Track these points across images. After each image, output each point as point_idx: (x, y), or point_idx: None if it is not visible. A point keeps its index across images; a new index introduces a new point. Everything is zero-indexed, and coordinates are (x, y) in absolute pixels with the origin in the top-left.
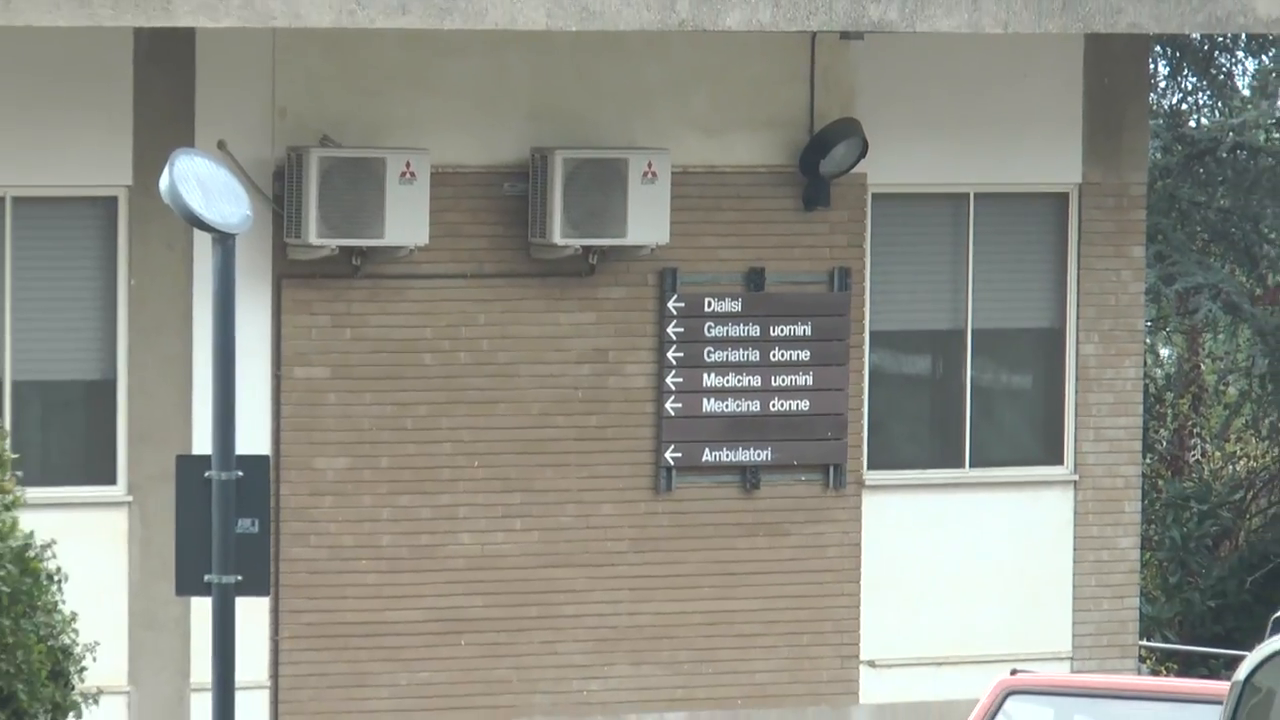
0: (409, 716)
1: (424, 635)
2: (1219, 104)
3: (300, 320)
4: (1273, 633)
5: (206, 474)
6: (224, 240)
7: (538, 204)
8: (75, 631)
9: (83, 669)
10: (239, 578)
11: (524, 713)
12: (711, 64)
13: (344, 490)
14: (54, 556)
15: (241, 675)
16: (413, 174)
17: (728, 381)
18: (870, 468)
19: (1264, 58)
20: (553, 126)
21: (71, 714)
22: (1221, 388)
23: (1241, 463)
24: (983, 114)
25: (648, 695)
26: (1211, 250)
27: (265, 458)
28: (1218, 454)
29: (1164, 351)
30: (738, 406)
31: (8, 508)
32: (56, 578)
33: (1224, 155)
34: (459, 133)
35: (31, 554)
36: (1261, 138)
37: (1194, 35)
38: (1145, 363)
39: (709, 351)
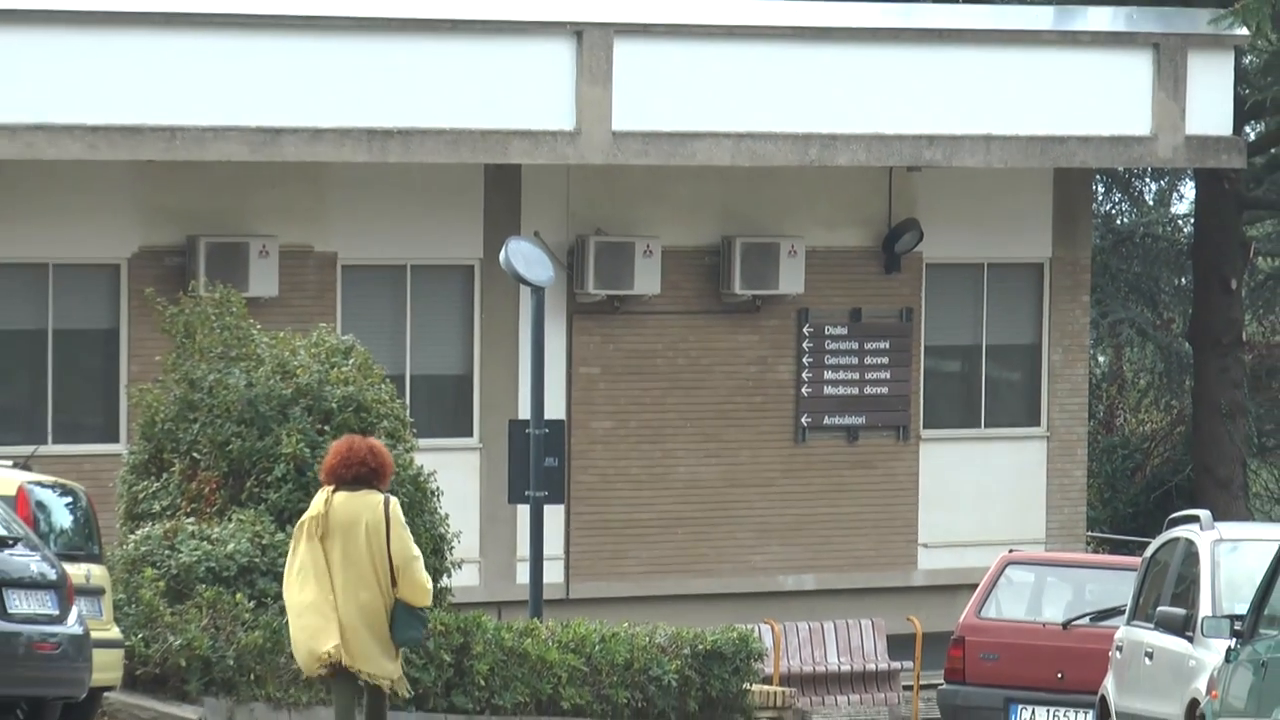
0: (648, 578)
1: (656, 528)
2: (1134, 209)
3: (582, 339)
4: (1167, 528)
5: (527, 431)
6: (537, 291)
7: (725, 268)
8: (447, 525)
9: (452, 547)
10: (545, 493)
11: (716, 574)
12: (830, 184)
13: (608, 441)
14: (435, 481)
15: (547, 551)
16: (650, 251)
17: (838, 376)
18: (925, 427)
19: (1161, 182)
20: (734, 222)
21: (444, 575)
22: (1135, 380)
23: (1147, 426)
24: (992, 215)
25: (790, 564)
26: (1129, 298)
27: (562, 421)
28: (1133, 420)
29: (1101, 359)
30: (844, 391)
31: (408, 450)
32: (436, 493)
33: (1137, 240)
34: (678, 226)
35: (422, 479)
36: (1159, 230)
37: (1119, 168)
38: (1089, 365)
39: (826, 358)
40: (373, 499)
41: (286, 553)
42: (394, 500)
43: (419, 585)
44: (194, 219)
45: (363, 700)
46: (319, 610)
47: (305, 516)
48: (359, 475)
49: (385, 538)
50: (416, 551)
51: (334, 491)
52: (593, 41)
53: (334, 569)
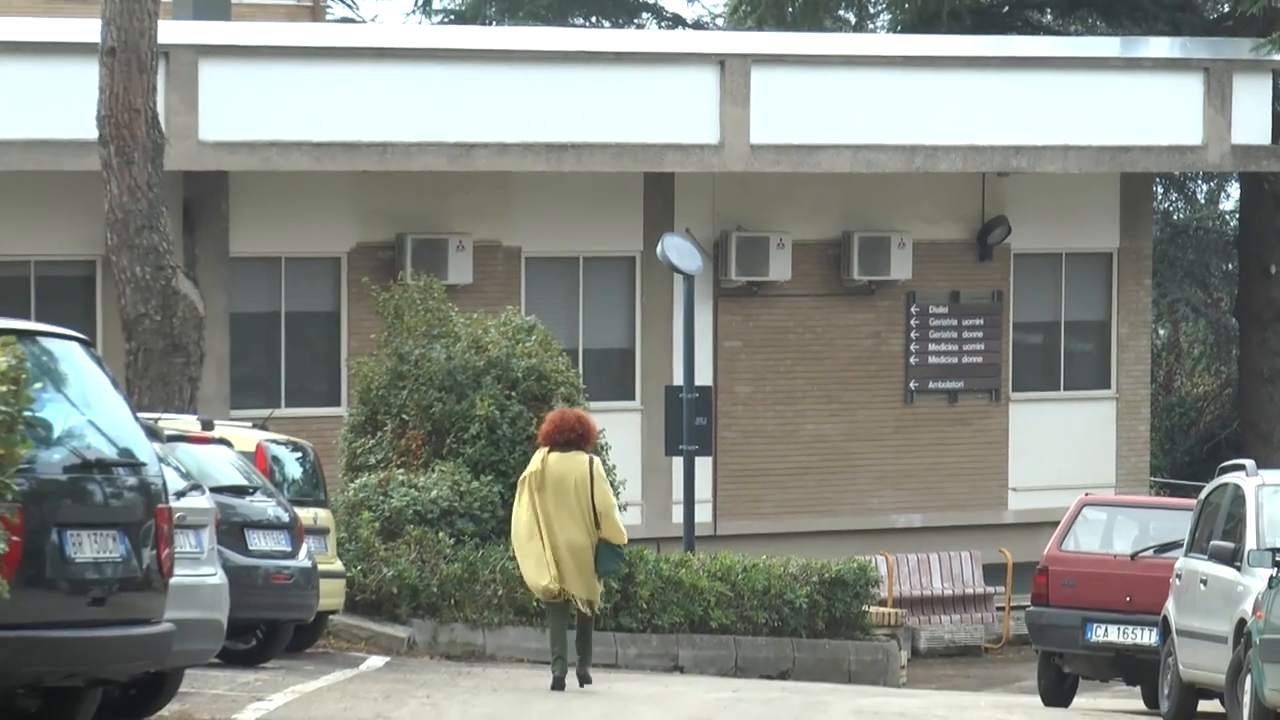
0: (782, 517)
1: (789, 475)
2: (1188, 206)
3: (726, 318)
4: (1218, 475)
5: (680, 395)
6: (688, 279)
7: (845, 258)
8: (615, 474)
9: (618, 492)
10: (696, 446)
11: (838, 514)
12: (932, 187)
13: (748, 403)
14: (604, 437)
15: (697, 496)
16: (782, 244)
17: (940, 347)
18: (1013, 390)
19: (1210, 183)
20: (852, 219)
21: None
22: (1190, 350)
23: (1200, 388)
24: (1068, 212)
25: (901, 505)
26: (1184, 281)
27: (709, 387)
28: (1188, 384)
29: (1161, 332)
30: (945, 360)
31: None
32: (605, 447)
33: (1190, 232)
34: (805, 223)
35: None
36: (1209, 224)
37: (1175, 172)
38: (1150, 338)
39: (930, 333)
40: (580, 458)
41: (480, 498)
42: (597, 459)
43: (617, 528)
44: (402, 219)
45: (574, 623)
46: (536, 551)
47: (526, 473)
48: (569, 439)
49: (590, 490)
50: (614, 500)
51: (549, 452)
52: (733, 70)
53: (549, 516)
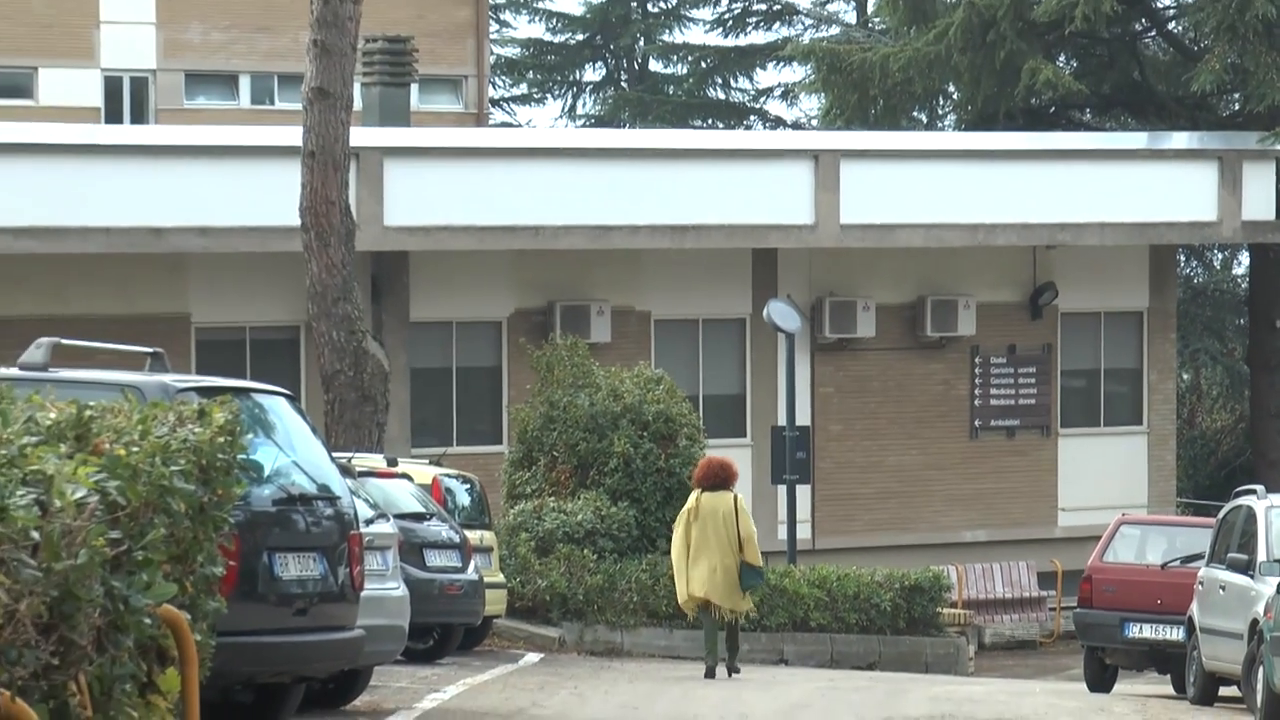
0: (869, 534)
1: (874, 498)
2: (1205, 271)
3: (821, 369)
4: (1233, 498)
5: (783, 433)
6: (789, 337)
7: (919, 318)
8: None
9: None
10: (797, 476)
11: (916, 531)
12: (991, 258)
13: (840, 439)
14: None
15: (798, 516)
16: (867, 307)
17: (999, 392)
18: (1061, 427)
19: (1225, 252)
20: (925, 285)
21: None
22: (1209, 391)
23: (1218, 424)
24: (1106, 278)
25: (967, 523)
26: (1204, 333)
27: (808, 426)
28: (1208, 420)
29: (1185, 376)
30: (1004, 402)
31: (701, 449)
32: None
33: (1208, 293)
34: (886, 289)
35: (692, 446)
36: (1224, 286)
37: (1194, 243)
38: (1176, 381)
39: (991, 380)
40: (726, 497)
41: (618, 521)
42: (740, 497)
43: (756, 552)
44: (552, 289)
45: (724, 626)
46: (687, 570)
47: (684, 509)
48: (717, 481)
49: (735, 521)
50: (754, 529)
51: (701, 492)
52: (825, 163)
53: (703, 542)
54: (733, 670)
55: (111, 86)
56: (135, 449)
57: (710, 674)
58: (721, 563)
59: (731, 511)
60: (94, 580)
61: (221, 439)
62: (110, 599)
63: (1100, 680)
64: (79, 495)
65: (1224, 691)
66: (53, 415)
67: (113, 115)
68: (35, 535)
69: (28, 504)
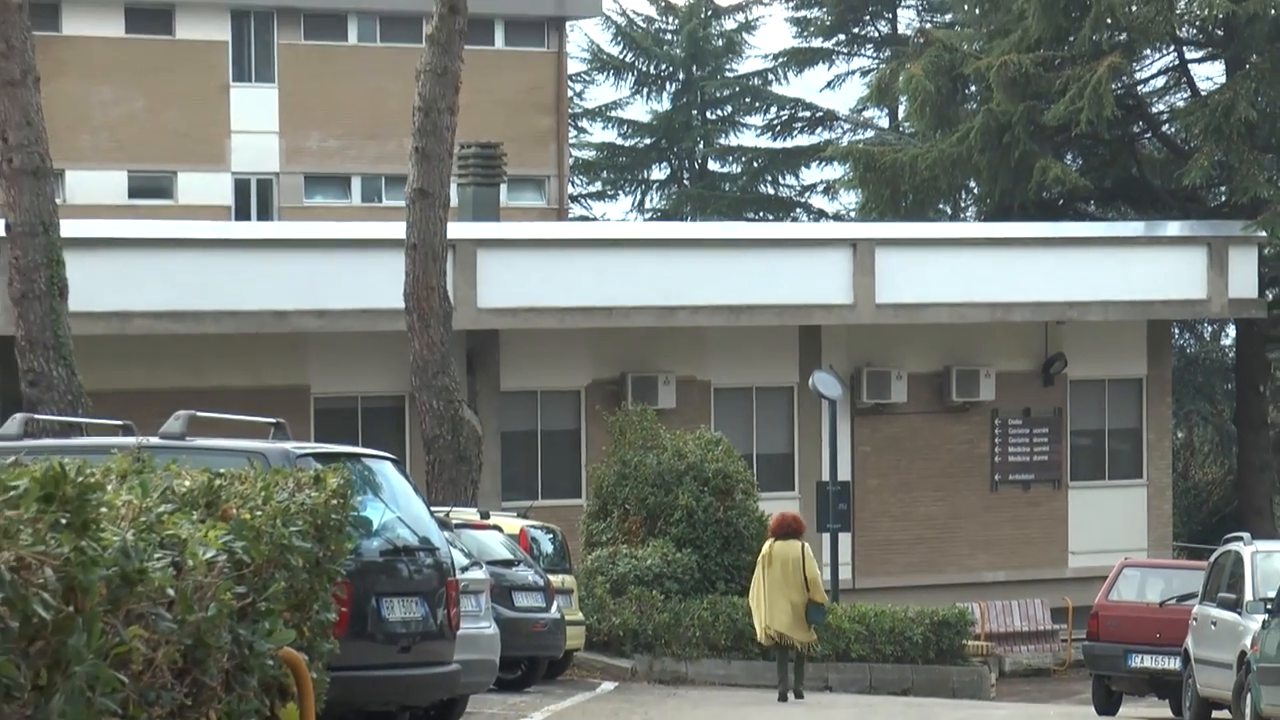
0: (903, 575)
1: (907, 544)
2: (1197, 342)
3: (860, 430)
4: (1223, 543)
5: (827, 487)
6: (832, 403)
7: (946, 385)
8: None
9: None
10: (839, 524)
11: (944, 572)
12: (1008, 332)
13: (877, 492)
14: (769, 518)
15: (840, 559)
16: (900, 375)
17: (1016, 449)
18: (1070, 480)
19: (1214, 326)
20: (951, 356)
21: None
22: (1201, 448)
23: (1209, 476)
24: (1109, 350)
25: (989, 565)
26: (1196, 397)
27: (848, 481)
28: (1200, 473)
29: (1179, 434)
30: (1020, 459)
31: (754, 501)
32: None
33: (1200, 361)
34: (917, 360)
35: (763, 517)
36: (1214, 355)
37: (1187, 318)
38: (1171, 439)
39: (1009, 439)
40: (795, 545)
41: (683, 566)
42: (807, 545)
43: (820, 592)
44: (624, 362)
45: (793, 657)
46: (763, 609)
47: (760, 555)
48: (788, 531)
49: (802, 566)
50: (819, 573)
51: (774, 541)
52: (863, 250)
53: (774, 584)
54: (798, 694)
55: (240, 187)
56: (259, 513)
57: (783, 698)
58: (791, 601)
59: (799, 558)
60: (222, 629)
61: (334, 501)
62: (237, 645)
63: (1107, 705)
64: (209, 555)
65: (1216, 715)
66: (187, 483)
67: (241, 213)
68: (171, 592)
69: (164, 565)
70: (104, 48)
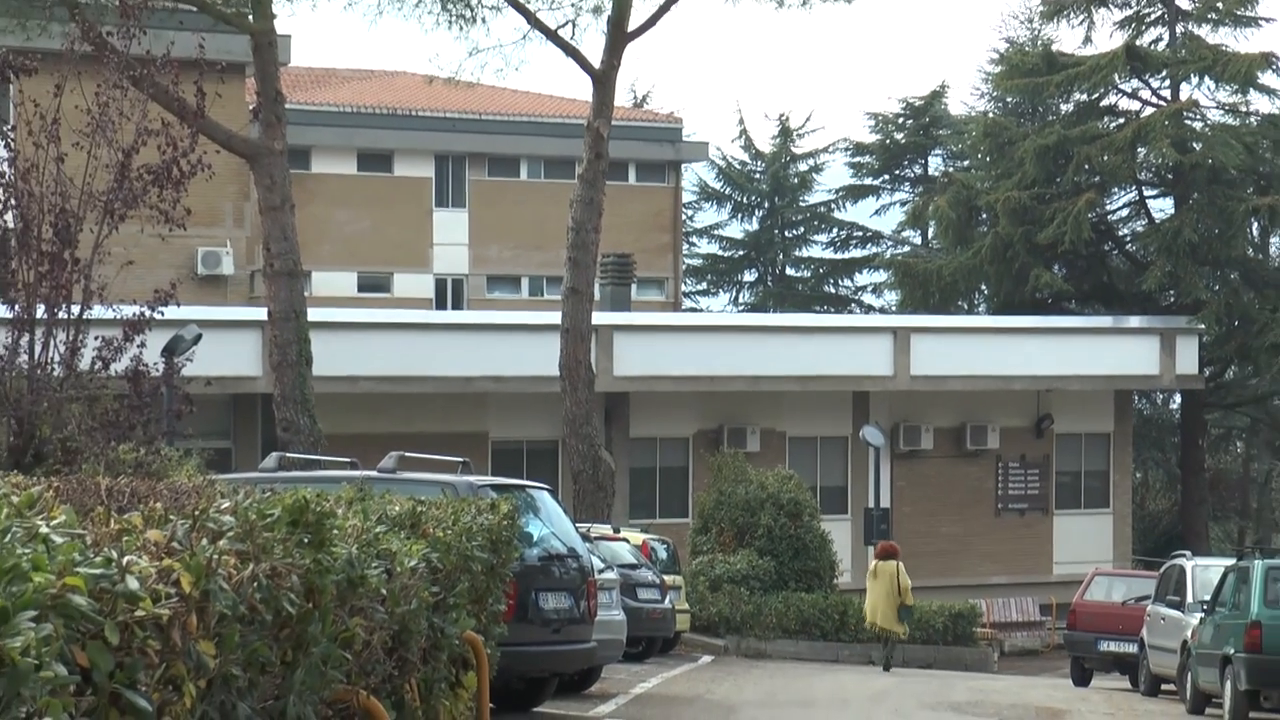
0: (929, 578)
1: (931, 555)
2: (1152, 406)
3: (898, 470)
4: (1170, 558)
5: (872, 512)
6: (876, 450)
7: (962, 437)
8: (836, 556)
9: (838, 566)
10: (880, 541)
11: (958, 576)
12: (1010, 398)
13: (910, 516)
14: (831, 535)
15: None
16: (929, 429)
17: (1015, 484)
18: (1055, 508)
19: (1164, 394)
20: (967, 415)
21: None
22: (1154, 485)
23: (1160, 507)
24: (1086, 412)
25: (993, 571)
26: (1151, 447)
27: (887, 508)
28: (1154, 505)
29: (1138, 475)
30: (1017, 492)
31: (818, 522)
32: (830, 540)
33: (1155, 421)
34: (942, 417)
35: (826, 535)
36: (1165, 417)
37: (1145, 389)
38: (1131, 479)
39: (1010, 477)
40: (892, 563)
41: (764, 570)
42: (900, 564)
43: (910, 597)
44: (722, 416)
45: (887, 642)
46: (870, 608)
47: (869, 570)
48: (888, 554)
49: (897, 578)
50: (909, 583)
51: (878, 560)
52: (901, 335)
53: (876, 590)
54: (887, 667)
55: (440, 285)
56: (449, 531)
57: (887, 668)
58: (887, 602)
59: (895, 573)
60: (421, 619)
61: (505, 521)
62: (432, 630)
63: (1082, 678)
64: (412, 564)
65: (1165, 687)
66: (396, 509)
67: (440, 304)
68: (384, 592)
69: (379, 572)
70: (340, 182)
